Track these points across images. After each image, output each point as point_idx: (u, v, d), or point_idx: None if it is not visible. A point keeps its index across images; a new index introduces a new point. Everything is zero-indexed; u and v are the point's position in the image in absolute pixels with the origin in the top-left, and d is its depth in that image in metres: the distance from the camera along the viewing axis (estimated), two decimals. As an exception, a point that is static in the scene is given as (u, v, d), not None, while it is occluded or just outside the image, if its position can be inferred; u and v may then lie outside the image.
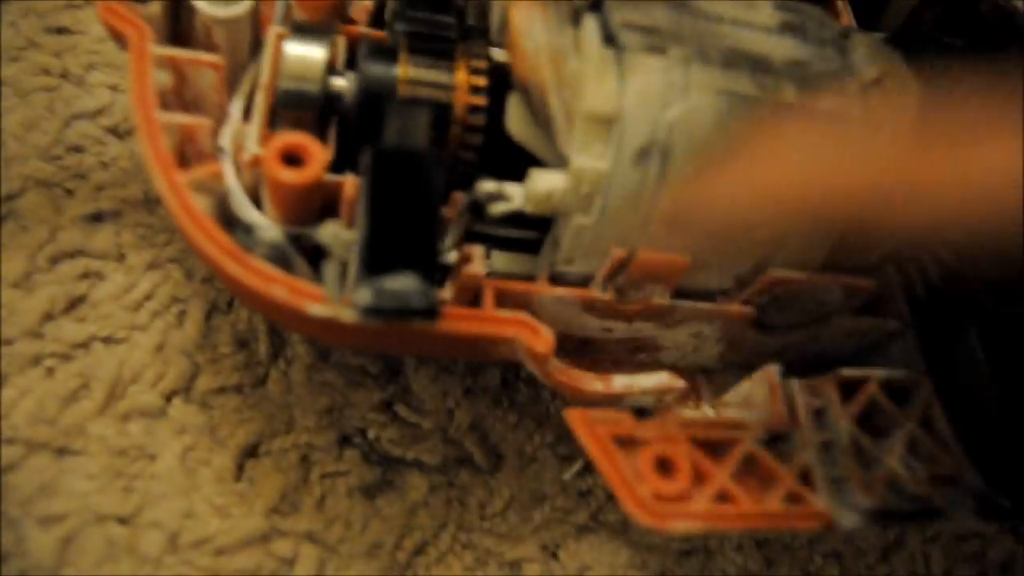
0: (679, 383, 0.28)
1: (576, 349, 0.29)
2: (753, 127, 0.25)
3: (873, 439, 0.28)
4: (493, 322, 0.25)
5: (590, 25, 0.25)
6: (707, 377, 0.31)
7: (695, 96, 0.24)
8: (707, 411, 0.30)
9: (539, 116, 0.25)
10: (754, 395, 0.28)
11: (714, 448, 0.26)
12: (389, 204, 0.22)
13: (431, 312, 0.23)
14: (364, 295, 0.22)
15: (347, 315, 0.23)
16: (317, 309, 0.24)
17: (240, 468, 0.32)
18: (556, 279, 0.27)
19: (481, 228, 0.27)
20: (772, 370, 0.27)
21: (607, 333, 0.29)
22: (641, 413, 0.27)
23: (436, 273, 0.23)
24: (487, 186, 0.25)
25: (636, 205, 0.25)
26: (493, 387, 0.34)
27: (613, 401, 0.28)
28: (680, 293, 0.28)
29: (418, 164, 0.23)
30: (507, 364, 0.34)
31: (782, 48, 0.26)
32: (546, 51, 0.24)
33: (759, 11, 0.27)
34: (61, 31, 0.37)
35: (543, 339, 0.25)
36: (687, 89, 0.24)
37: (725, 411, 0.29)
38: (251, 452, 0.32)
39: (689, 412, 0.29)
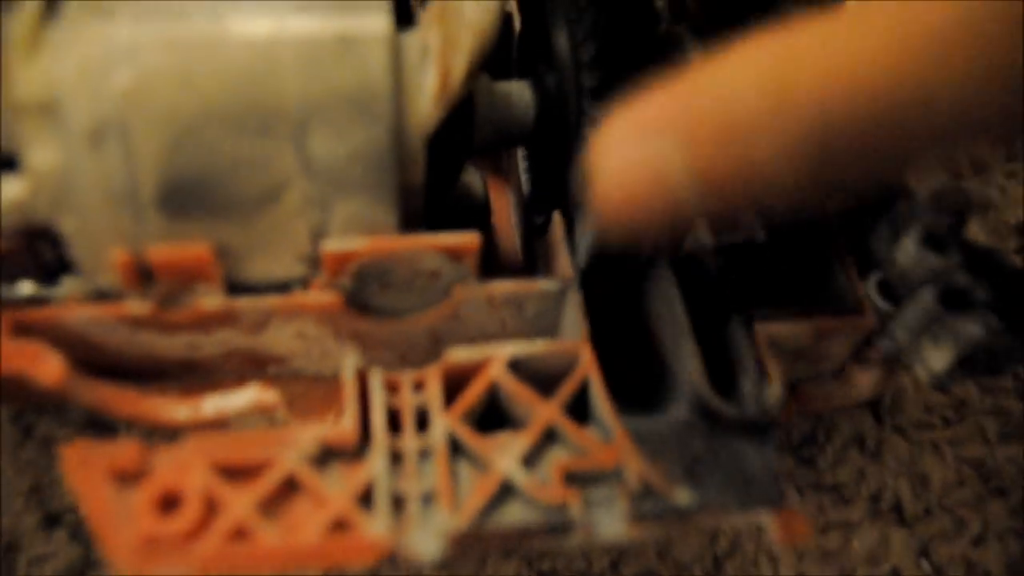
0: (271, 397, 0.24)
1: (181, 375, 0.25)
2: (217, 65, 0.21)
3: (490, 438, 0.21)
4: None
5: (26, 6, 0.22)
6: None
7: (146, 56, 0.21)
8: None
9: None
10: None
11: (246, 475, 0.21)
12: None
13: None
14: None
15: None
16: None
17: (-56, 562, 0.30)
18: (97, 296, 0.23)
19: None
20: (347, 365, 0.22)
21: (197, 351, 0.24)
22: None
23: None
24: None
25: (116, 197, 0.21)
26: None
27: (214, 428, 0.24)
28: (248, 289, 0.23)
29: None
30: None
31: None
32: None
33: None
34: None
35: (46, 369, 0.22)
36: (135, 51, 0.21)
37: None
38: (-43, 544, 0.30)
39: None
